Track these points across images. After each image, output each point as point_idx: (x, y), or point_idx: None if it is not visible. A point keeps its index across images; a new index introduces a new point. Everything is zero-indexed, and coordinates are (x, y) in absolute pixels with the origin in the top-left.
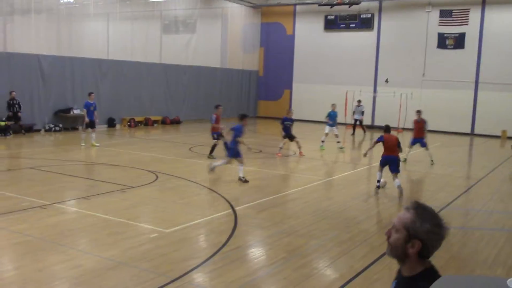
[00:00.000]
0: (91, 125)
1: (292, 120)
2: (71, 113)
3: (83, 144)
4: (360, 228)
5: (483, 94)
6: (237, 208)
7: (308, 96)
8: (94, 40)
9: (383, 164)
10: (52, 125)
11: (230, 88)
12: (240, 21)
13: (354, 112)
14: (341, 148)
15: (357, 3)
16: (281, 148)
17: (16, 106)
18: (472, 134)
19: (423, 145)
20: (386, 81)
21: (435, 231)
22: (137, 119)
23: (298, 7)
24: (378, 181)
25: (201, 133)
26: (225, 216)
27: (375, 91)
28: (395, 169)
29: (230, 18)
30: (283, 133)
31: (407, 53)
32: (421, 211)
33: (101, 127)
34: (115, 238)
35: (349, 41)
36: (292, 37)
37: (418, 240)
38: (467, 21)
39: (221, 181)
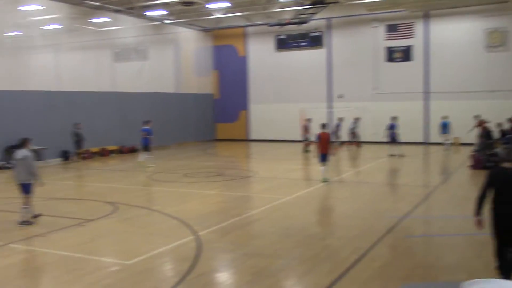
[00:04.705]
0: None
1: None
2: None
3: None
4: (324, 244)
5: (434, 104)
6: (200, 233)
7: (265, 116)
8: (43, 72)
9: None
10: (2, 162)
11: (187, 112)
12: (192, 45)
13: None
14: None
15: (306, 22)
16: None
17: None
18: (425, 143)
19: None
20: (340, 96)
21: None
22: (92, 150)
23: (248, 29)
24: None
25: (160, 160)
26: (188, 243)
27: (330, 107)
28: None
29: (182, 43)
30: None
31: (357, 68)
32: None
33: (55, 161)
34: (75, 275)
35: (301, 60)
36: (244, 59)
37: None
38: (413, 34)
39: (183, 207)
